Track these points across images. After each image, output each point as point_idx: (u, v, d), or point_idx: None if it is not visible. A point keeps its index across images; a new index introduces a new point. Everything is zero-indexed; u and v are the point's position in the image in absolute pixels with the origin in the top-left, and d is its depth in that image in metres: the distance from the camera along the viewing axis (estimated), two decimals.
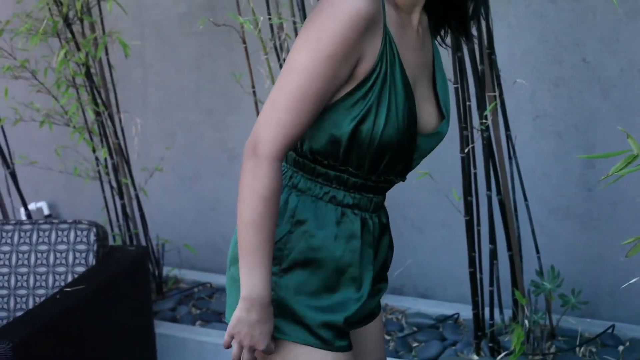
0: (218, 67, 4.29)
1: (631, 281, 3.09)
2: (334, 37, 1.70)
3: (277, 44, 3.27)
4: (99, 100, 3.77)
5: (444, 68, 2.02)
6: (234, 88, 3.98)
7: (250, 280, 1.76)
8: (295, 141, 1.78)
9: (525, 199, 3.35)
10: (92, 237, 3.39)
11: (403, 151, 1.88)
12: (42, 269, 3.38)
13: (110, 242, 4.31)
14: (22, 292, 3.39)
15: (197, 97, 4.44)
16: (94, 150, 4.02)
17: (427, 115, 1.93)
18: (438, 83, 1.97)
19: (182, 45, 4.38)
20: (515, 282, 3.29)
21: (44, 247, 3.40)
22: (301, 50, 1.72)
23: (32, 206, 5.07)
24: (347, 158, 1.85)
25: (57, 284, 3.34)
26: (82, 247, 3.37)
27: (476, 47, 3.04)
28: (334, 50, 1.71)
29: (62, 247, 3.38)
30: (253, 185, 1.74)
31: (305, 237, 1.88)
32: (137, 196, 4.01)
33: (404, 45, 1.85)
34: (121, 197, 4.00)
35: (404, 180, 2.00)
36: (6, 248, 3.43)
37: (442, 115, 1.96)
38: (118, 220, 4.17)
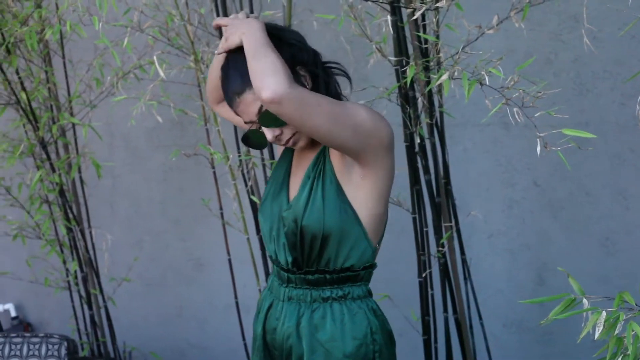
0: (185, 180, 4.44)
1: None
2: None
3: (245, 171, 3.44)
4: (70, 216, 3.90)
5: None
6: (200, 199, 4.13)
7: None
8: None
9: (480, 317, 3.51)
10: (63, 351, 3.49)
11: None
12: None
13: (79, 349, 4.40)
14: None
15: (164, 207, 4.58)
16: (64, 262, 4.13)
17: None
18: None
19: (150, 158, 4.54)
20: None
21: None
22: None
23: None
24: None
25: None
26: None
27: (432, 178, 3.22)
28: None
29: None
30: None
31: None
32: (105, 306, 4.12)
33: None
34: (90, 308, 4.10)
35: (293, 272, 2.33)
36: None
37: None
38: (86, 329, 4.27)
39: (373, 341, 2.28)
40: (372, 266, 2.34)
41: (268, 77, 2.01)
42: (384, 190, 2.27)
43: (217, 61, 2.40)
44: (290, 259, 2.30)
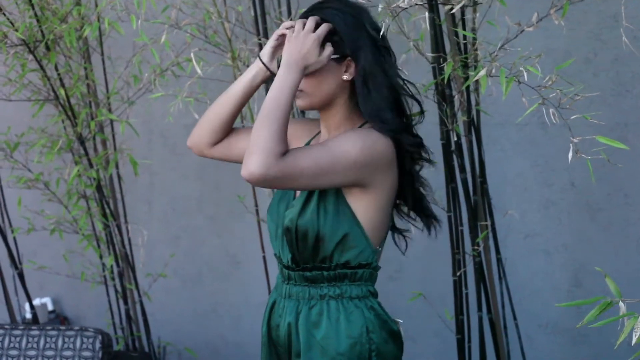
0: (221, 177, 4.46)
1: None
2: None
3: None
4: (107, 211, 3.93)
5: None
6: (236, 197, 4.14)
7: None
8: None
9: (515, 317, 3.49)
10: (98, 345, 3.51)
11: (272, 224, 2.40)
12: None
13: (113, 343, 4.42)
14: None
15: (200, 204, 4.60)
16: (100, 257, 4.16)
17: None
18: None
19: (187, 155, 4.54)
20: None
21: (50, 353, 3.52)
22: None
23: (36, 302, 5.18)
24: None
25: None
26: (87, 353, 3.48)
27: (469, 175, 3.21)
28: None
29: (68, 353, 3.50)
30: None
31: None
32: (140, 301, 4.14)
33: None
34: (125, 302, 4.13)
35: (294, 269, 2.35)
36: (14, 352, 3.54)
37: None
38: (121, 323, 4.30)
39: (369, 340, 2.27)
40: (371, 266, 2.33)
41: (254, 154, 2.04)
42: (384, 203, 2.29)
43: (225, 97, 2.44)
44: (289, 256, 2.33)
